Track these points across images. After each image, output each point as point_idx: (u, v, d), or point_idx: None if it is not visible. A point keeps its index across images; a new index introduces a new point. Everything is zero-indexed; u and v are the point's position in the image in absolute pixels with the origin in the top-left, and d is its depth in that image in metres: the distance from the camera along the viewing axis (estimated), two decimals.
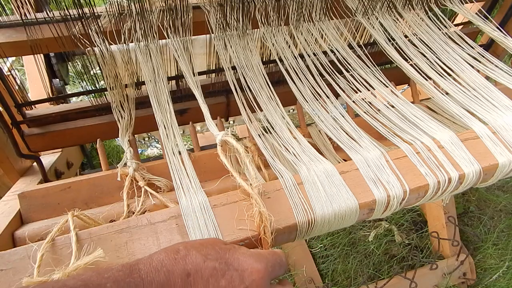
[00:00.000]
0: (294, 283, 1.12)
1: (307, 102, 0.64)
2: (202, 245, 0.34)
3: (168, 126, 0.57)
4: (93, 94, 0.74)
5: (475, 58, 0.72)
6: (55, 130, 0.75)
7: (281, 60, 0.69)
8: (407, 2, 0.78)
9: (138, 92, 0.72)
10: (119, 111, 0.65)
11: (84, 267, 0.36)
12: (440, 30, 0.77)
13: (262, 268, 0.34)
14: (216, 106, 0.81)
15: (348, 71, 0.70)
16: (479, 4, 0.89)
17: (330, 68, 0.69)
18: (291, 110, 1.20)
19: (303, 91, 0.65)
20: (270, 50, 0.73)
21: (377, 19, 0.77)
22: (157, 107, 0.59)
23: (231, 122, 1.12)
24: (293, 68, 0.68)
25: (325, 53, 0.73)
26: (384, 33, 0.76)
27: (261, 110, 0.61)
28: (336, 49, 0.72)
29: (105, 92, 0.71)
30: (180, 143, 0.54)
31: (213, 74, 0.78)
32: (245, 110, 0.60)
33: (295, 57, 0.70)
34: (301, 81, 0.66)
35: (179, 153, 0.54)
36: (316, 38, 0.74)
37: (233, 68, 0.68)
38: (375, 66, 0.70)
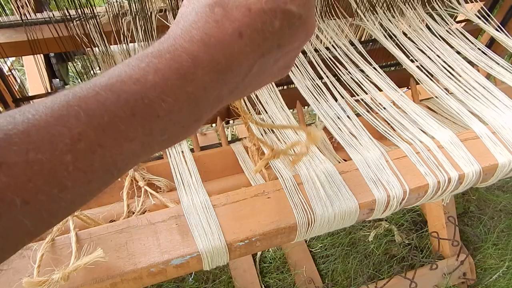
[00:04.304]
0: (294, 283, 1.12)
1: (310, 94, 0.63)
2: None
3: None
4: None
5: (476, 59, 0.72)
6: None
7: None
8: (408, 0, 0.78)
9: None
10: None
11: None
12: (441, 26, 0.77)
13: None
14: (217, 112, 0.80)
15: (349, 70, 0.70)
16: (479, 4, 0.89)
17: (332, 65, 0.69)
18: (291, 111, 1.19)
19: (305, 86, 0.65)
20: None
21: (377, 17, 0.77)
22: None
23: (231, 122, 1.12)
24: (295, 65, 0.68)
25: (327, 48, 0.73)
26: (385, 31, 0.76)
27: (263, 108, 0.61)
28: (337, 48, 0.72)
29: None
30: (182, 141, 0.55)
31: None
32: (247, 107, 0.61)
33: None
34: (303, 76, 0.67)
35: (182, 152, 0.54)
36: (317, 35, 0.74)
37: None
38: (376, 65, 0.70)
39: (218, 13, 0.23)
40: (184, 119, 0.23)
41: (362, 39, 0.86)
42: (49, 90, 0.98)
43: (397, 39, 0.74)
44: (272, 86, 0.64)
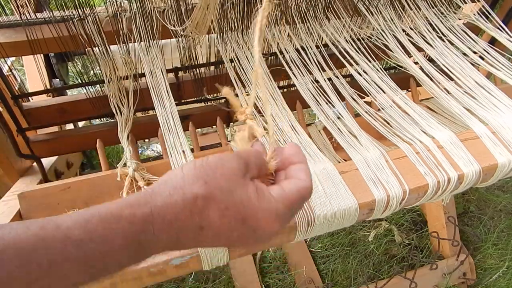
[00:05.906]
0: (294, 283, 1.12)
1: (309, 94, 0.63)
2: (223, 193, 0.30)
3: (170, 123, 0.57)
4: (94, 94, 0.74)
5: (476, 56, 0.72)
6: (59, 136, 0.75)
7: (281, 52, 0.69)
8: None
9: (140, 97, 0.72)
10: (118, 107, 0.65)
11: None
12: (442, 25, 0.77)
13: (277, 226, 0.32)
14: (217, 113, 0.80)
15: (348, 69, 0.70)
16: (479, 4, 0.89)
17: (331, 64, 0.69)
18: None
19: (305, 85, 0.65)
20: (271, 44, 0.73)
21: (380, 14, 0.77)
22: (160, 107, 0.59)
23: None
24: (295, 65, 0.68)
25: (325, 45, 0.73)
26: (385, 30, 0.76)
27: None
28: (338, 47, 0.72)
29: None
30: (183, 139, 0.55)
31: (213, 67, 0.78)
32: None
33: (296, 49, 0.70)
34: (303, 75, 0.67)
35: (183, 152, 0.54)
36: (319, 34, 0.74)
37: (231, 60, 0.68)
38: (376, 62, 0.70)
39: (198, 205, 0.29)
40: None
41: (362, 37, 0.86)
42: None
43: (398, 38, 0.74)
44: (274, 86, 0.64)
